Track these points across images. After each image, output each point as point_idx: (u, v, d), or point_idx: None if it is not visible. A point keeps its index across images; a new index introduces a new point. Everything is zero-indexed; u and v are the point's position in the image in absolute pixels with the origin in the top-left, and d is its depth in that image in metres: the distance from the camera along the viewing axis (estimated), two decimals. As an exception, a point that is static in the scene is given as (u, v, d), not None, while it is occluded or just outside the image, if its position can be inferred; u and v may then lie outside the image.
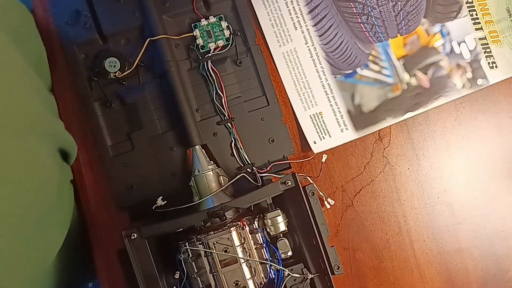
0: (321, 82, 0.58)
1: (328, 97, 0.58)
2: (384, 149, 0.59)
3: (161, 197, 0.52)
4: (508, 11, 0.58)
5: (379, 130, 0.58)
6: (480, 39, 0.58)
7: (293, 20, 0.58)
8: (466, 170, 0.59)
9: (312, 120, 0.58)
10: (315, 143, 0.57)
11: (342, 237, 0.57)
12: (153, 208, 0.52)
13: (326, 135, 0.58)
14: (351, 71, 0.58)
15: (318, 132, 0.57)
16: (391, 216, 0.58)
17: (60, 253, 0.51)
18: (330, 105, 0.58)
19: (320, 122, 0.57)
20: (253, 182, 0.54)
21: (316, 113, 0.58)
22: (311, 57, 0.58)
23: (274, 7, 0.58)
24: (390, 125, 0.58)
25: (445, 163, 0.59)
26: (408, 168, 0.59)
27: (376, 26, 0.58)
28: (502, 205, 0.58)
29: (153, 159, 0.55)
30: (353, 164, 0.58)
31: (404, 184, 0.59)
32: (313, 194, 0.50)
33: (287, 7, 0.58)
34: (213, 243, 0.47)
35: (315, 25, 0.58)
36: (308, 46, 0.58)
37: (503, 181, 0.59)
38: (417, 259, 0.58)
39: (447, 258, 0.58)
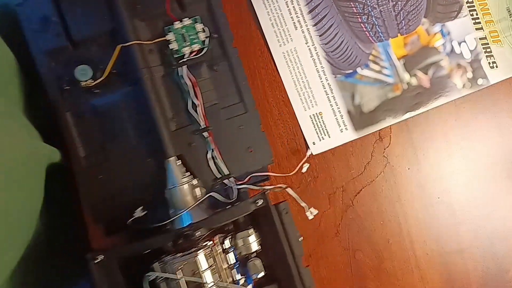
0: (321, 82, 0.58)
1: (328, 97, 0.58)
2: (384, 149, 0.59)
3: (141, 207, 0.51)
4: (509, 11, 0.58)
5: (379, 130, 0.58)
6: (480, 39, 0.58)
7: (293, 20, 0.58)
8: (466, 170, 0.59)
9: (312, 120, 0.57)
10: (314, 144, 0.57)
11: (342, 237, 0.57)
12: (127, 222, 0.50)
13: (325, 135, 0.57)
14: (351, 71, 0.58)
15: (317, 133, 0.57)
16: (392, 216, 0.58)
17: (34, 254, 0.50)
18: (330, 105, 0.58)
19: (320, 122, 0.57)
20: (222, 200, 0.53)
21: (316, 113, 0.58)
22: (311, 56, 0.58)
23: (274, 7, 0.58)
24: (390, 125, 0.58)
25: (445, 163, 0.59)
26: (408, 168, 0.59)
27: (377, 26, 0.58)
28: (502, 205, 0.58)
29: (128, 170, 0.53)
30: (353, 164, 0.58)
31: (404, 184, 0.58)
32: (287, 212, 0.49)
33: (287, 6, 0.58)
34: (179, 268, 0.46)
35: (315, 24, 0.58)
36: (308, 46, 0.58)
37: (503, 181, 0.58)
38: (417, 259, 0.58)
39: (447, 258, 0.58)
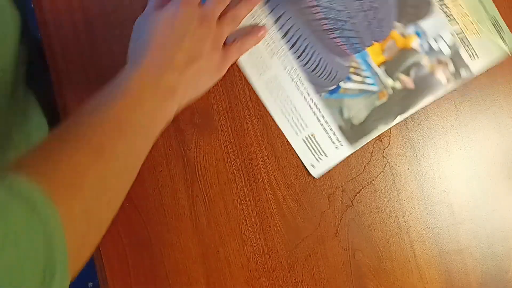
0: (307, 103, 0.60)
1: (317, 117, 0.60)
2: (384, 149, 0.60)
3: None
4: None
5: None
6: (457, 33, 0.53)
7: (270, 47, 0.60)
8: (466, 170, 0.57)
9: (305, 143, 0.60)
10: (313, 167, 0.60)
11: (341, 237, 0.61)
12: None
13: (322, 155, 0.60)
14: (334, 86, 0.60)
15: (314, 154, 0.60)
16: (391, 216, 0.60)
17: None
18: (321, 124, 0.60)
19: (314, 143, 0.60)
20: None
21: (308, 135, 0.60)
22: (292, 80, 0.61)
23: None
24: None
25: (445, 163, 0.58)
26: (408, 168, 0.59)
27: (351, 38, 0.58)
28: (502, 205, 0.55)
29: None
30: (353, 164, 0.61)
31: (404, 184, 0.60)
32: None
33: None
34: None
35: (291, 48, 0.60)
36: (288, 70, 0.60)
37: (503, 181, 0.55)
38: (417, 259, 0.59)
39: (447, 258, 0.58)
